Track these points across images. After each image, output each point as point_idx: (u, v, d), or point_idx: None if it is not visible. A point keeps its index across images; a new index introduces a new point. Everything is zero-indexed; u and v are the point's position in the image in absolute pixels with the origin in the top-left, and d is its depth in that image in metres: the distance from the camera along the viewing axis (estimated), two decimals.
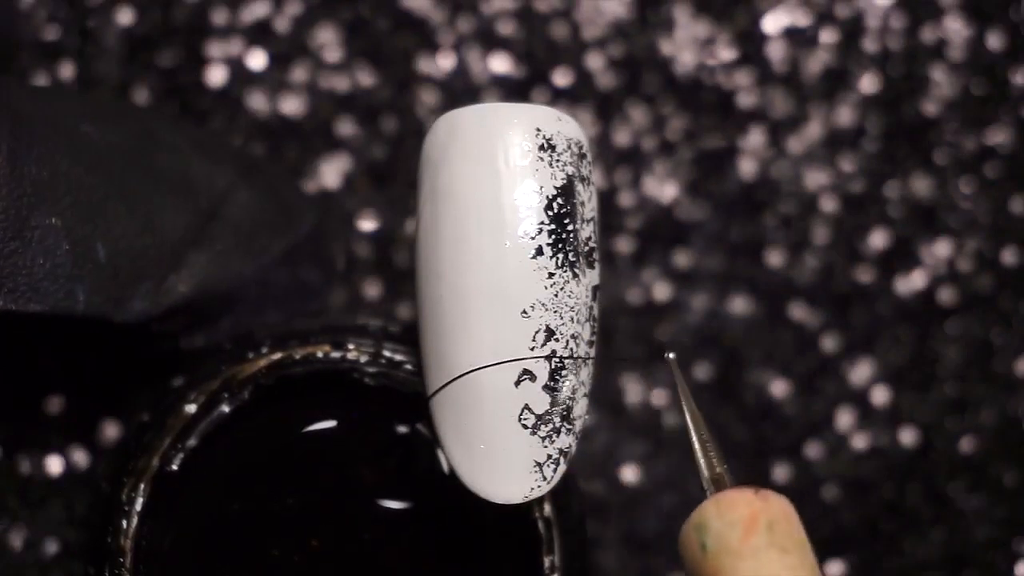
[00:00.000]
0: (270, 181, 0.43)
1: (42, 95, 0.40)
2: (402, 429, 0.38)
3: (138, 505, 0.36)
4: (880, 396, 0.50)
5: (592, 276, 0.35)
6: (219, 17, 0.49)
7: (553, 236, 0.34)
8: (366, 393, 0.37)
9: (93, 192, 0.38)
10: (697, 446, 0.34)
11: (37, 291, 0.37)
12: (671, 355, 0.35)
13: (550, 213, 0.34)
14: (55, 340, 0.45)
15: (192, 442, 0.37)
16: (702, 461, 0.34)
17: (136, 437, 0.37)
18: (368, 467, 0.38)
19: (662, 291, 0.49)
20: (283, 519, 0.37)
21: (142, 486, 0.36)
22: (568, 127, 0.35)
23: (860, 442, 0.49)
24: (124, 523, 0.36)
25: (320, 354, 0.37)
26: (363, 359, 0.37)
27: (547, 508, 0.36)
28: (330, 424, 0.38)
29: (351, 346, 0.37)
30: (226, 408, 0.37)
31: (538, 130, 0.35)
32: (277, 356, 0.37)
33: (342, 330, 0.38)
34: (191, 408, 0.37)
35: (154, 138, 0.41)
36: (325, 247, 0.45)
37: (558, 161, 0.35)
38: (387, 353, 0.37)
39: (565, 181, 0.35)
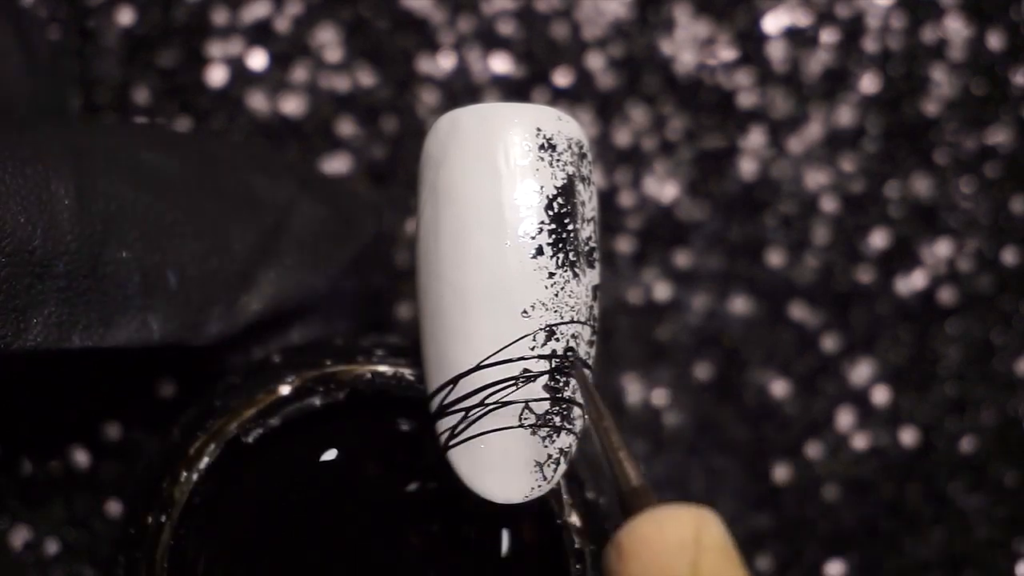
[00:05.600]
0: (328, 189, 0.43)
1: (99, 128, 0.40)
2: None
3: (203, 463, 0.36)
4: (880, 396, 0.50)
5: (592, 276, 0.35)
6: (219, 17, 0.49)
7: (553, 236, 0.34)
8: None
9: (160, 220, 0.38)
10: (622, 456, 0.31)
11: (111, 325, 0.37)
12: (576, 360, 0.34)
13: (550, 213, 0.34)
14: (125, 367, 0.45)
15: (275, 421, 0.36)
16: (631, 471, 0.31)
17: (223, 397, 0.37)
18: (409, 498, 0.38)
19: (662, 291, 0.49)
20: (317, 545, 0.37)
21: (212, 446, 0.36)
22: (569, 127, 0.35)
23: (860, 442, 0.49)
24: (184, 474, 0.36)
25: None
26: None
27: (577, 541, 0.36)
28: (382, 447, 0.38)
29: None
30: (317, 402, 0.36)
31: (538, 130, 0.35)
32: (383, 368, 0.37)
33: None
34: (285, 390, 0.36)
35: (213, 158, 0.41)
36: (388, 251, 0.44)
37: (558, 161, 0.35)
38: None
39: (565, 181, 0.35)
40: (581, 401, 0.35)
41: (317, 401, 0.36)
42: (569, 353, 0.34)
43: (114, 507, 0.47)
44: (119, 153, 0.38)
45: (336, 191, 0.44)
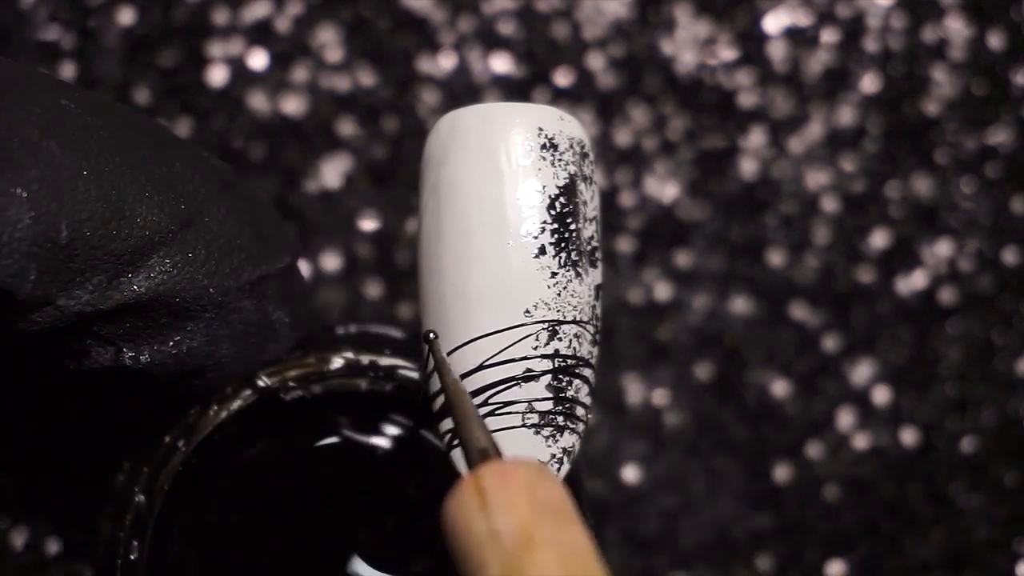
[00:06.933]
0: (252, 206, 0.41)
1: (20, 67, 0.38)
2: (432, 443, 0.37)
3: (235, 404, 0.37)
4: (881, 396, 0.50)
5: (595, 275, 0.35)
6: (220, 17, 0.49)
7: (556, 235, 0.34)
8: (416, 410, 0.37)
9: (64, 169, 0.35)
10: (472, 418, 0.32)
11: None
12: (432, 335, 0.34)
13: (552, 212, 0.34)
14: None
15: (317, 388, 0.37)
16: (477, 432, 0.32)
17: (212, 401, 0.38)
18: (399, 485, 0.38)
19: (663, 291, 0.49)
20: (316, 544, 0.37)
21: (249, 391, 0.37)
22: (570, 126, 0.35)
23: (861, 442, 0.49)
24: (215, 407, 0.37)
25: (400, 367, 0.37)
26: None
27: None
28: (367, 439, 0.38)
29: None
30: (363, 385, 0.37)
31: (540, 129, 0.35)
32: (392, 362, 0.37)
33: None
34: (338, 362, 0.37)
35: (139, 130, 0.39)
36: (298, 290, 0.42)
37: (560, 160, 0.35)
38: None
39: (567, 180, 0.35)
40: (585, 402, 0.35)
41: (363, 384, 0.37)
42: (431, 334, 0.34)
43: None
44: (36, 93, 0.36)
45: (259, 210, 0.42)
